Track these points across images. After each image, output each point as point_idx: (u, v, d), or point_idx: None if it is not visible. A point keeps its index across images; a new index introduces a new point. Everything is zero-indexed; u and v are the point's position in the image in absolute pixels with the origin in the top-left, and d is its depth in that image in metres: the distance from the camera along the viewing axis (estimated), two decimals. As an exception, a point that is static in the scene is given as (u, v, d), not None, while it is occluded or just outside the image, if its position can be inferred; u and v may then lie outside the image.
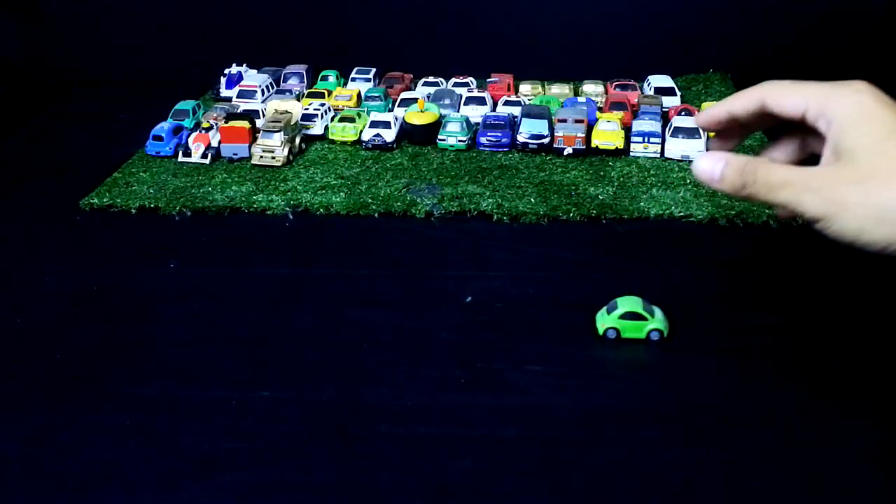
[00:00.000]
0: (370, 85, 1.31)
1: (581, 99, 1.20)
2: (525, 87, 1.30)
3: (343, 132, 1.13)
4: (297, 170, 1.06)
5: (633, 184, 1.00)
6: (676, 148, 1.05)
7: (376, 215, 0.96)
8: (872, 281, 0.80)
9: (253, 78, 1.29)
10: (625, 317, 0.72)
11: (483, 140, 1.11)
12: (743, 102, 0.65)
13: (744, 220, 0.91)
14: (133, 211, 0.98)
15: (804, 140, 0.65)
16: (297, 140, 1.11)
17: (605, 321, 0.72)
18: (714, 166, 0.62)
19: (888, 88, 0.79)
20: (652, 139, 1.06)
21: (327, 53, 1.39)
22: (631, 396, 0.66)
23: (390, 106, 1.23)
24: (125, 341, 0.74)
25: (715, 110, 0.67)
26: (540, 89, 1.30)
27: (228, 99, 1.27)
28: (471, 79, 1.31)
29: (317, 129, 1.15)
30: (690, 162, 0.93)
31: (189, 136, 1.12)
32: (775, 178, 0.59)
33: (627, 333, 0.72)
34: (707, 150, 0.71)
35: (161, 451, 0.61)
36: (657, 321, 0.72)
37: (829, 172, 0.57)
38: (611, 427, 0.63)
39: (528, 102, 1.21)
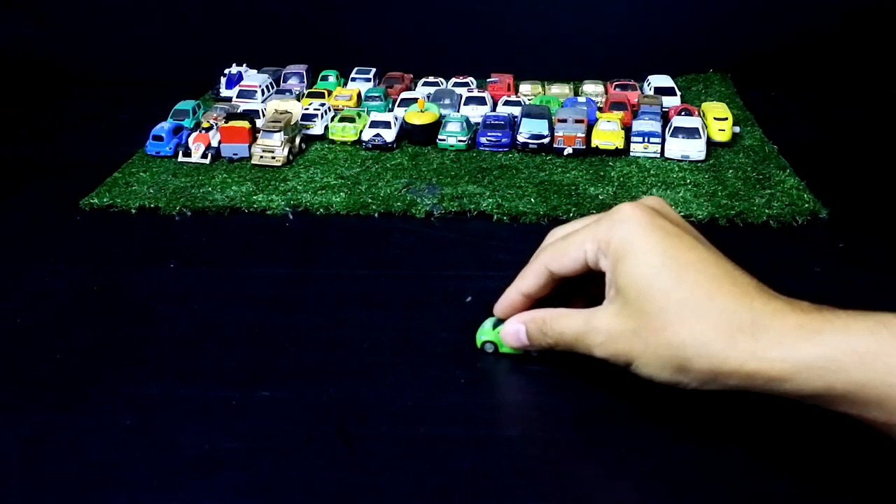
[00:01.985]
0: (370, 85, 1.31)
1: (581, 99, 1.20)
2: (525, 87, 1.30)
3: (343, 132, 1.13)
4: (297, 170, 1.06)
5: (633, 184, 1.00)
6: (676, 148, 1.05)
7: (376, 215, 0.96)
8: (872, 281, 0.80)
9: (253, 78, 1.29)
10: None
11: (483, 140, 1.11)
12: (531, 281, 0.66)
13: (744, 220, 0.91)
14: (133, 211, 0.98)
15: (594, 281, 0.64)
16: (297, 140, 1.11)
17: (484, 335, 0.70)
18: (518, 329, 0.65)
19: (888, 88, 0.79)
20: (652, 139, 1.06)
21: (327, 53, 1.39)
22: (631, 396, 0.66)
23: (390, 106, 1.23)
24: (125, 341, 0.74)
25: (509, 298, 0.67)
26: (540, 89, 1.30)
27: (228, 99, 1.27)
28: (471, 79, 1.31)
29: (317, 129, 1.15)
30: (691, 162, 0.95)
31: (189, 136, 1.12)
32: (567, 334, 0.61)
33: (504, 349, 0.69)
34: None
35: (161, 451, 0.61)
36: None
37: (607, 323, 0.58)
38: (611, 427, 0.63)
39: (528, 102, 1.21)
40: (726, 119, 1.11)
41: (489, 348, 0.70)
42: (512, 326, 0.66)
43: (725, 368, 0.53)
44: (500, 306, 0.68)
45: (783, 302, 0.54)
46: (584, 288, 0.66)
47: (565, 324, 0.61)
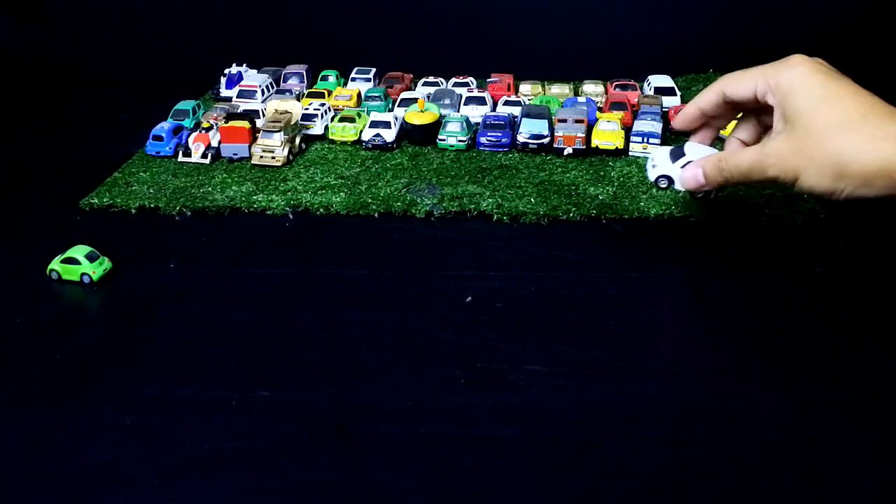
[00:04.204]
0: (370, 85, 1.31)
1: (581, 99, 1.20)
2: (525, 87, 1.30)
3: (343, 132, 1.13)
4: (297, 170, 1.06)
5: (633, 184, 1.00)
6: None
7: (376, 215, 0.96)
8: (872, 281, 0.80)
9: (253, 78, 1.29)
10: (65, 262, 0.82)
11: (483, 140, 1.11)
12: (707, 98, 0.78)
13: (743, 221, 0.91)
14: (133, 211, 0.98)
15: (760, 117, 0.78)
16: (297, 140, 1.11)
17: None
18: (696, 172, 0.76)
19: (888, 88, 0.80)
20: (651, 139, 1.06)
21: (327, 53, 1.39)
22: (631, 396, 0.66)
23: (390, 106, 1.23)
24: (125, 341, 0.74)
25: (688, 110, 0.81)
26: (540, 89, 1.30)
27: (228, 99, 1.27)
28: (471, 79, 1.31)
29: (317, 129, 1.15)
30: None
31: (189, 136, 1.12)
32: (743, 163, 0.72)
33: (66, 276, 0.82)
34: (685, 154, 0.84)
35: (161, 451, 0.61)
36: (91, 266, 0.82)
37: (779, 144, 0.70)
38: (611, 427, 0.63)
39: (528, 102, 1.21)
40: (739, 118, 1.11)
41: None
42: (690, 169, 0.77)
43: (872, 170, 0.64)
44: (679, 119, 0.83)
45: None
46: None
47: (740, 156, 0.73)
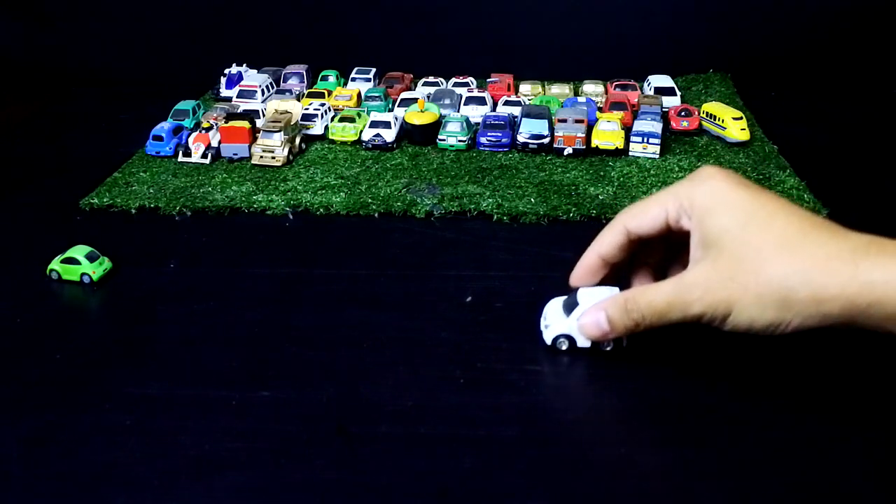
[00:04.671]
0: (370, 85, 1.31)
1: (581, 99, 1.20)
2: (525, 87, 1.30)
3: (343, 132, 1.13)
4: (297, 170, 1.06)
5: (633, 184, 1.00)
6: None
7: (376, 215, 0.96)
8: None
9: (253, 78, 1.29)
10: (65, 262, 0.82)
11: (483, 140, 1.11)
12: (608, 240, 0.66)
13: (744, 220, 0.91)
14: (133, 211, 0.98)
15: (669, 243, 0.65)
16: (297, 140, 1.11)
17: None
18: (598, 318, 0.63)
19: (888, 88, 0.79)
20: (651, 139, 1.06)
21: (327, 53, 1.39)
22: (631, 396, 0.66)
23: (390, 106, 1.23)
24: (125, 341, 0.74)
25: (586, 262, 0.67)
26: (540, 89, 1.30)
27: (228, 99, 1.27)
28: (471, 79, 1.31)
29: (317, 129, 1.15)
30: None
31: (189, 136, 1.12)
32: (657, 302, 0.60)
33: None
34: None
35: (161, 451, 0.61)
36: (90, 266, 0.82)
37: (702, 276, 0.58)
38: (611, 427, 0.63)
39: (528, 102, 1.21)
40: (742, 118, 1.12)
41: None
42: (591, 315, 0.64)
43: (827, 295, 0.54)
44: (577, 273, 0.68)
45: (873, 237, 0.57)
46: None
47: (653, 294, 0.60)
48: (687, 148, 1.10)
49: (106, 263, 0.84)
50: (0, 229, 0.95)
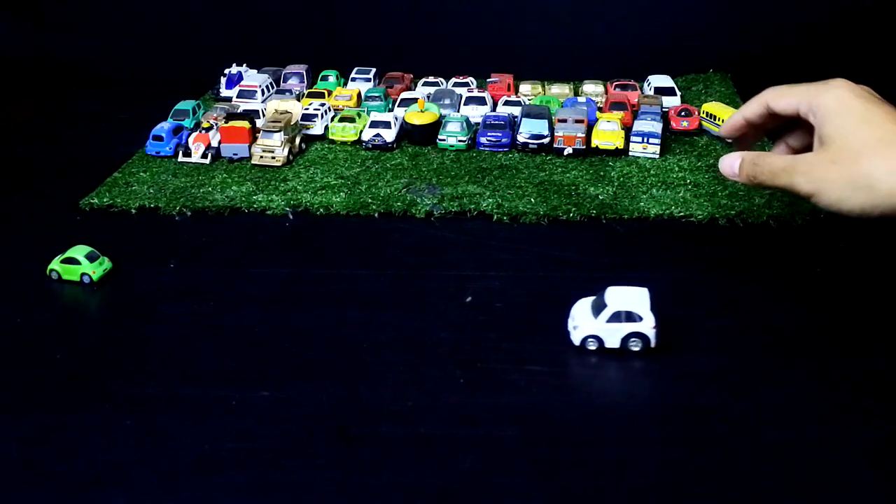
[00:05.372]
0: (370, 85, 1.31)
1: (581, 99, 1.20)
2: (525, 87, 1.30)
3: (343, 132, 1.13)
4: (297, 170, 1.06)
5: (633, 184, 1.00)
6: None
7: (376, 215, 0.96)
8: (872, 280, 0.80)
9: (253, 78, 1.29)
10: (65, 262, 0.82)
11: (483, 140, 1.11)
12: (752, 108, 0.79)
13: (744, 221, 0.92)
14: (133, 211, 0.98)
15: (806, 130, 0.77)
16: (297, 140, 1.11)
17: None
18: (733, 163, 0.76)
19: (887, 87, 0.80)
20: (651, 139, 1.06)
21: (327, 53, 1.39)
22: (631, 396, 0.66)
23: (390, 106, 1.23)
24: (125, 341, 0.74)
25: (733, 119, 0.81)
26: (540, 89, 1.30)
27: (228, 99, 1.27)
28: (471, 79, 1.31)
29: (317, 129, 1.15)
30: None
31: (189, 136, 1.12)
32: (775, 166, 0.72)
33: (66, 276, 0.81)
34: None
35: (161, 451, 0.61)
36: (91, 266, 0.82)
37: (812, 157, 0.70)
38: (611, 427, 0.63)
39: (528, 102, 1.21)
40: None
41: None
42: (730, 158, 0.77)
43: None
44: (725, 127, 0.83)
45: None
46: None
47: (775, 159, 0.73)
48: (687, 148, 1.10)
49: (106, 263, 0.84)
50: (0, 229, 0.95)
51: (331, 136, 1.14)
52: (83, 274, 0.82)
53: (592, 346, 0.70)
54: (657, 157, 1.07)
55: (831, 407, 0.64)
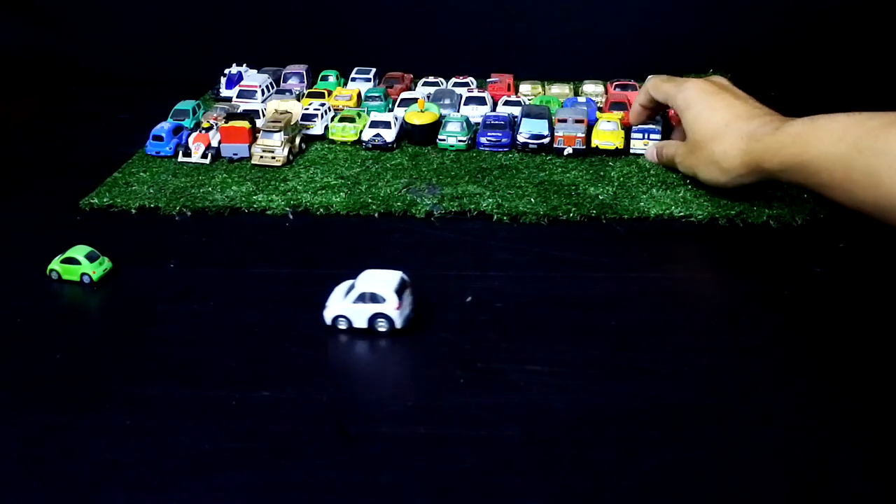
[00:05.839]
0: (370, 85, 1.31)
1: (581, 99, 1.20)
2: (525, 87, 1.30)
3: (343, 132, 1.13)
4: (297, 170, 1.06)
5: (633, 184, 1.00)
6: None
7: (376, 215, 0.96)
8: (871, 280, 0.80)
9: (253, 78, 1.29)
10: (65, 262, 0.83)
11: (483, 140, 1.11)
12: (641, 97, 1.05)
13: (744, 221, 0.91)
14: (133, 211, 0.98)
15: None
16: (297, 140, 1.11)
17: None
18: (651, 151, 1.05)
19: (888, 88, 0.79)
20: (652, 135, 1.07)
21: (327, 53, 1.39)
22: (631, 396, 0.66)
23: (390, 106, 1.23)
24: (125, 341, 0.74)
25: (634, 109, 1.08)
26: (540, 89, 1.30)
27: (228, 99, 1.27)
28: (471, 79, 1.31)
29: (317, 129, 1.15)
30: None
31: (189, 136, 1.12)
32: (667, 154, 0.99)
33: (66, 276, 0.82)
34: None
35: (161, 451, 0.61)
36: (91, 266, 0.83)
37: (683, 147, 0.94)
38: (611, 427, 0.63)
39: (528, 102, 1.21)
40: None
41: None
42: (650, 148, 1.05)
43: (738, 164, 0.85)
44: (631, 115, 1.10)
45: (777, 119, 0.86)
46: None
47: (668, 149, 1.00)
48: (687, 148, 1.10)
49: (106, 263, 0.84)
50: (0, 229, 0.95)
51: (331, 136, 1.14)
52: (83, 274, 0.82)
53: (343, 326, 0.74)
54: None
55: (831, 407, 0.64)
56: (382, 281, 0.74)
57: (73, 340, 0.74)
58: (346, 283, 0.77)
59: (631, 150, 1.08)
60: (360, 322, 0.73)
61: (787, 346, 0.71)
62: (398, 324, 0.73)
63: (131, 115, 1.29)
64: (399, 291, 0.73)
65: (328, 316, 0.74)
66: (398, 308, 0.72)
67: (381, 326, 0.73)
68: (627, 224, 0.92)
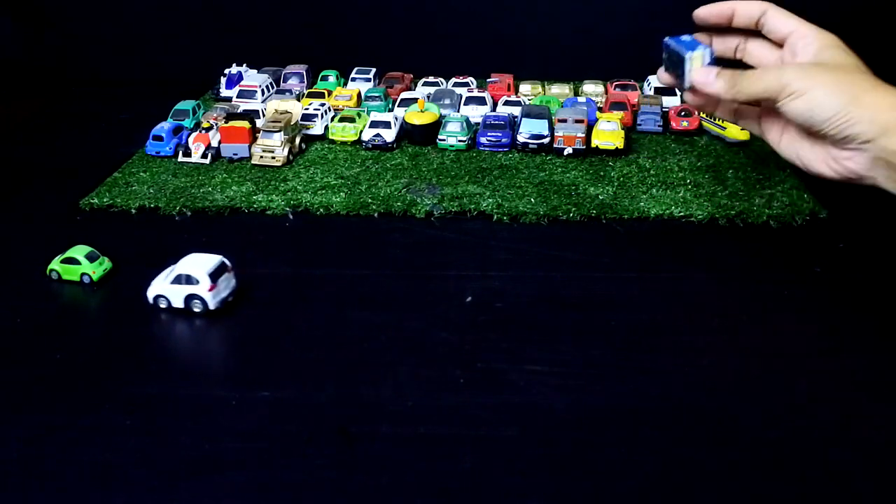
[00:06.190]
0: (370, 85, 1.31)
1: (581, 99, 1.20)
2: (525, 87, 1.30)
3: (343, 132, 1.13)
4: (297, 170, 1.06)
5: (633, 184, 1.00)
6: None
7: (376, 215, 0.96)
8: (872, 281, 0.80)
9: (253, 78, 1.29)
10: (65, 262, 0.83)
11: (483, 140, 1.11)
12: (749, 7, 0.80)
13: (744, 220, 0.92)
14: (133, 211, 0.98)
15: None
16: (297, 140, 1.11)
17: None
18: (709, 73, 0.78)
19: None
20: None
21: (327, 53, 1.39)
22: (631, 396, 0.66)
23: (390, 106, 1.23)
24: (125, 341, 0.74)
25: (724, 5, 0.81)
26: (540, 89, 1.30)
27: (228, 99, 1.27)
28: (471, 79, 1.31)
29: (317, 129, 1.15)
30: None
31: (189, 136, 1.12)
32: (763, 67, 0.78)
33: (66, 276, 0.82)
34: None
35: (161, 451, 0.61)
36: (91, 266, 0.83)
37: (805, 63, 0.75)
38: (611, 427, 0.63)
39: (528, 102, 1.21)
40: None
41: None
42: (703, 71, 0.79)
43: (885, 104, 0.70)
44: (710, 8, 0.83)
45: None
46: None
47: (770, 79, 0.73)
48: (687, 148, 1.10)
49: (106, 263, 0.84)
50: (0, 229, 0.95)
51: (331, 136, 1.14)
52: (83, 274, 0.82)
53: (163, 304, 0.77)
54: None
55: (831, 407, 0.64)
56: (199, 264, 0.77)
57: (73, 340, 0.74)
58: (168, 270, 0.80)
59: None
60: (178, 302, 0.77)
61: (787, 346, 0.71)
62: (211, 305, 0.76)
63: (131, 115, 1.29)
64: (214, 275, 0.76)
65: (150, 294, 0.78)
66: (211, 290, 0.76)
67: (197, 307, 0.76)
68: (627, 224, 0.92)
